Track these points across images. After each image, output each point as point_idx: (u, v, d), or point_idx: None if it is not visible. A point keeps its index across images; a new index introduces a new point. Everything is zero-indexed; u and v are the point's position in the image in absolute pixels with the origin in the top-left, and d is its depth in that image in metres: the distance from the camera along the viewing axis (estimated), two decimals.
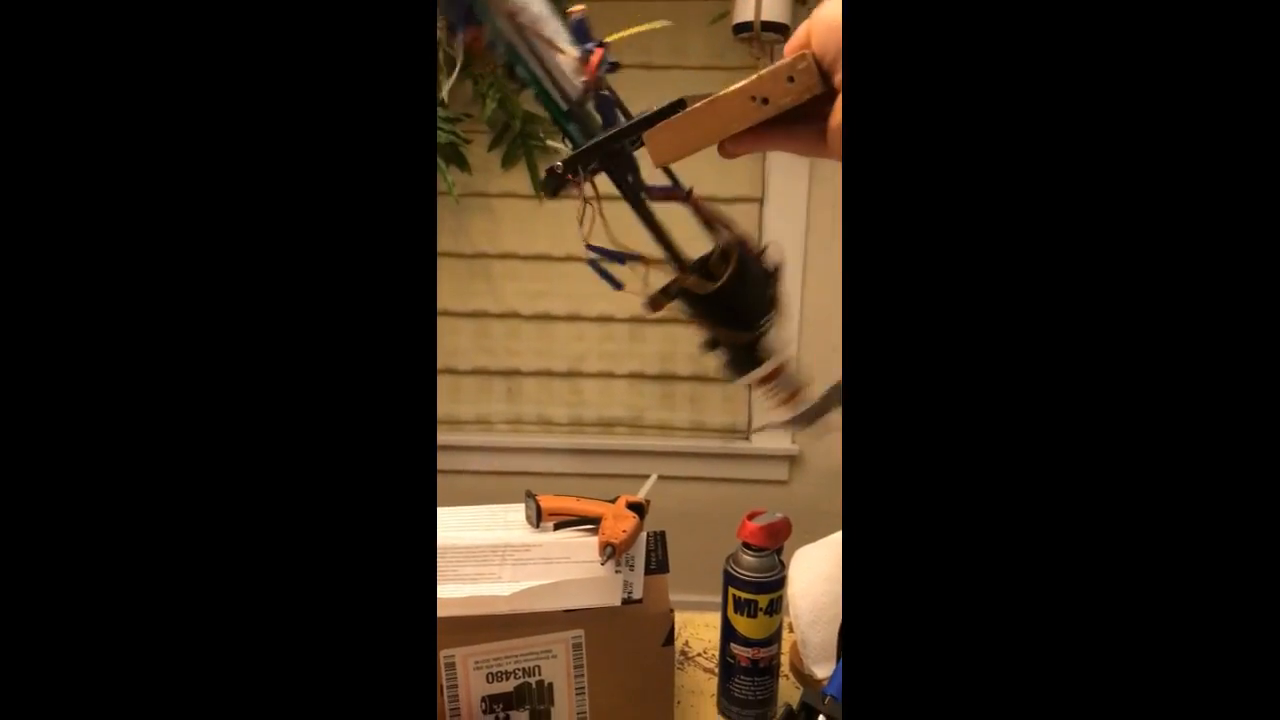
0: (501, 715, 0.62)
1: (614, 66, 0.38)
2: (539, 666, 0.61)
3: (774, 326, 0.41)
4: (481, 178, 1.58)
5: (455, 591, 0.59)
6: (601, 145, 0.38)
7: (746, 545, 0.65)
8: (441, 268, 1.65)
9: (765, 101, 0.32)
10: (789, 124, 0.34)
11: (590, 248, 0.41)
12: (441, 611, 0.60)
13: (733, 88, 0.33)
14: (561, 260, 1.63)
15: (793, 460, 1.68)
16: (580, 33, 0.37)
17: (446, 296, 1.66)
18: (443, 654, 0.60)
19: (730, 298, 0.39)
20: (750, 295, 0.40)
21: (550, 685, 0.62)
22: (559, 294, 1.65)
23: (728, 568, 0.66)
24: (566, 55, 0.36)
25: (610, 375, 1.69)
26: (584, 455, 1.69)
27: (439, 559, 0.64)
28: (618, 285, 0.42)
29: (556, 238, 1.62)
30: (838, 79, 0.30)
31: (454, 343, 1.69)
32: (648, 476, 0.72)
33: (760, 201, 1.59)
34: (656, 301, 0.41)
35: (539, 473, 1.69)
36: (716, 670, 0.71)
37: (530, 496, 0.69)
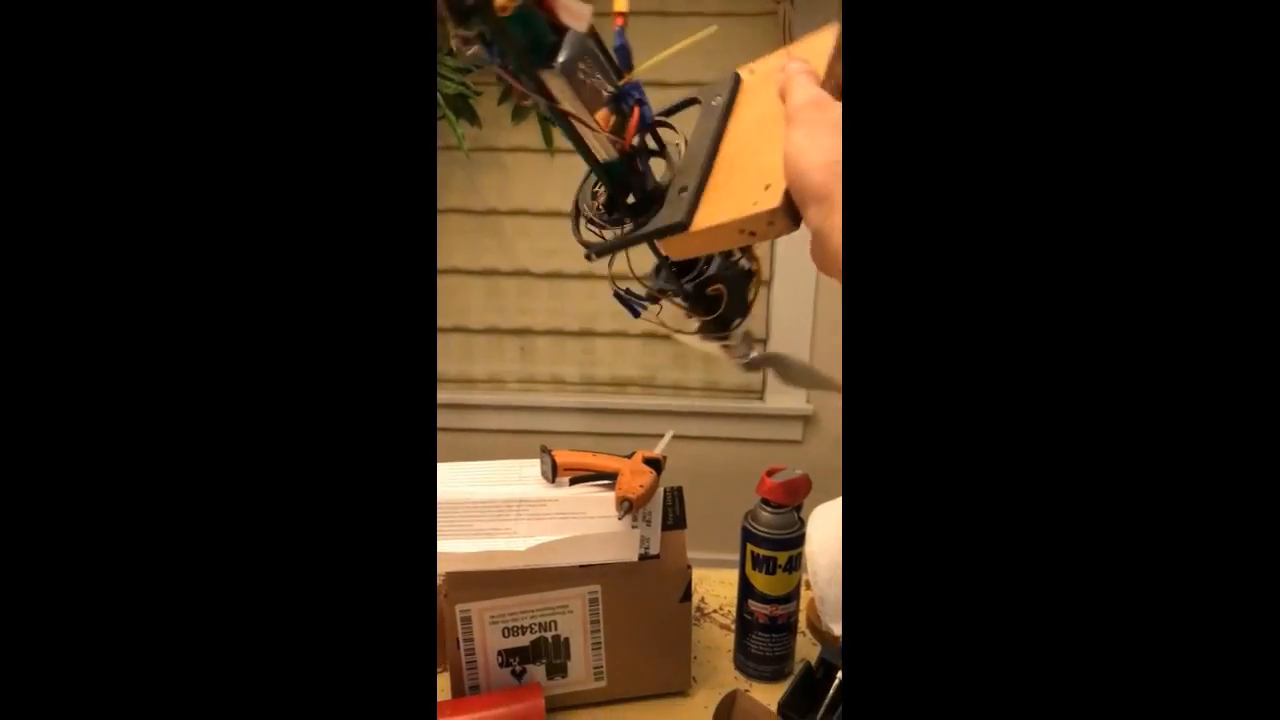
0: (518, 669, 0.61)
1: (654, 124, 0.42)
2: (555, 621, 0.61)
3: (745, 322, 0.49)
4: (491, 131, 1.54)
5: (470, 546, 0.58)
6: (625, 242, 0.43)
7: (765, 502, 0.64)
8: (451, 224, 1.62)
9: (752, 234, 0.38)
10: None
11: (617, 294, 0.48)
12: (456, 566, 0.59)
13: (726, 220, 0.38)
14: None
15: (807, 420, 1.67)
16: (623, 57, 0.39)
17: (457, 254, 1.64)
18: (458, 608, 0.59)
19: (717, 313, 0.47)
20: (731, 306, 0.47)
21: (566, 640, 0.61)
22: (571, 251, 1.61)
23: (746, 524, 0.64)
24: (599, 130, 0.39)
25: (623, 335, 1.67)
26: (597, 414, 1.69)
27: (453, 514, 0.63)
28: (636, 313, 0.48)
29: (568, 194, 1.58)
30: (808, 213, 0.33)
31: (465, 301, 1.67)
32: (661, 436, 0.71)
33: None
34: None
35: (552, 431, 1.69)
36: (733, 627, 0.70)
37: (545, 452, 0.68)
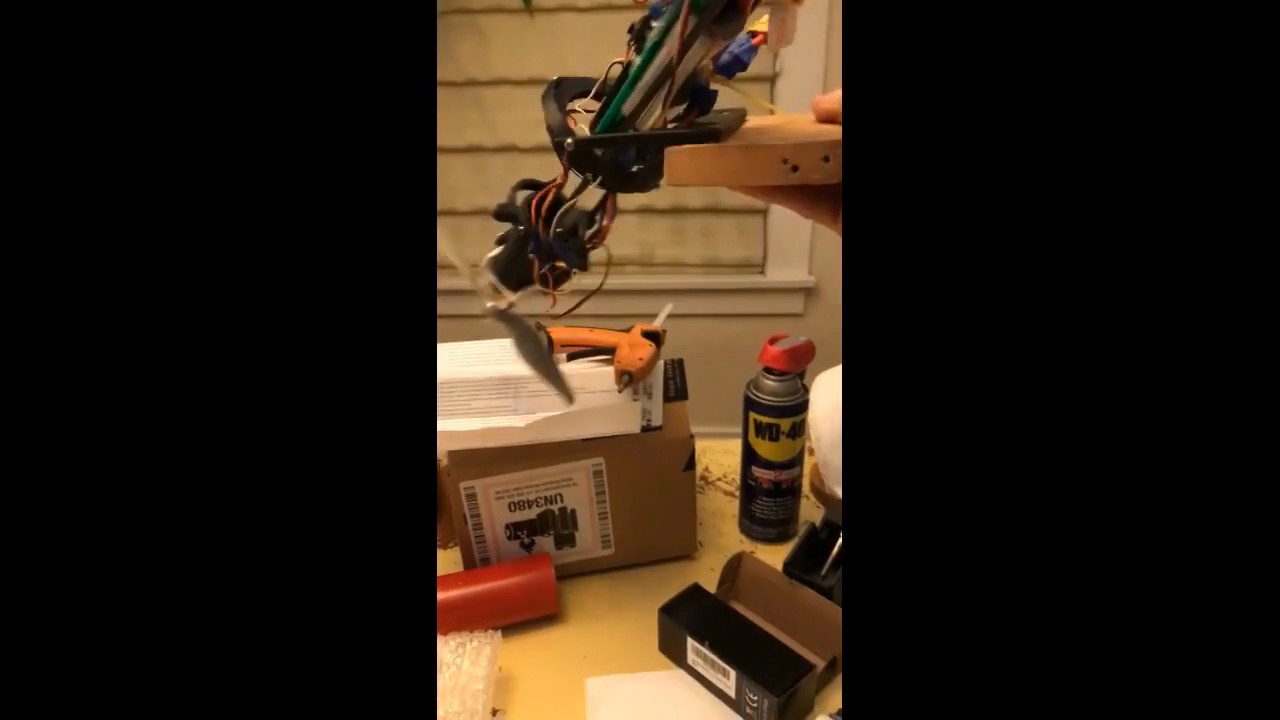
0: (526, 541, 0.62)
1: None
2: (560, 494, 0.61)
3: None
4: None
5: (468, 425, 0.58)
6: (630, 140, 0.39)
7: (768, 370, 0.62)
8: None
9: (795, 169, 0.32)
10: (810, 191, 0.35)
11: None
12: (457, 445, 0.58)
13: (769, 144, 0.32)
14: None
15: (808, 292, 1.64)
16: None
17: (439, 131, 1.55)
18: (462, 485, 0.59)
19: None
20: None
21: (573, 511, 0.62)
22: None
23: (748, 393, 0.63)
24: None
25: (618, 211, 1.61)
26: (594, 295, 1.66)
27: (451, 393, 0.62)
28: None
29: (552, 58, 1.47)
30: None
31: (451, 180, 1.60)
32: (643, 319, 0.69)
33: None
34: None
35: (548, 314, 1.66)
36: (736, 493, 0.71)
37: (540, 328, 0.66)
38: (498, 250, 0.46)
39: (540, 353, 0.51)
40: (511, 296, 0.47)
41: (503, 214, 0.45)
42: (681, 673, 0.56)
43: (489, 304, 0.47)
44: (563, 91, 0.42)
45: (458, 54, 1.49)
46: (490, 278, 0.46)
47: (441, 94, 1.52)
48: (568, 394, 0.51)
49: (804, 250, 1.61)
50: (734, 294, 1.65)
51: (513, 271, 0.46)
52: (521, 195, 0.45)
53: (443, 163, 1.58)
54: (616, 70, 0.38)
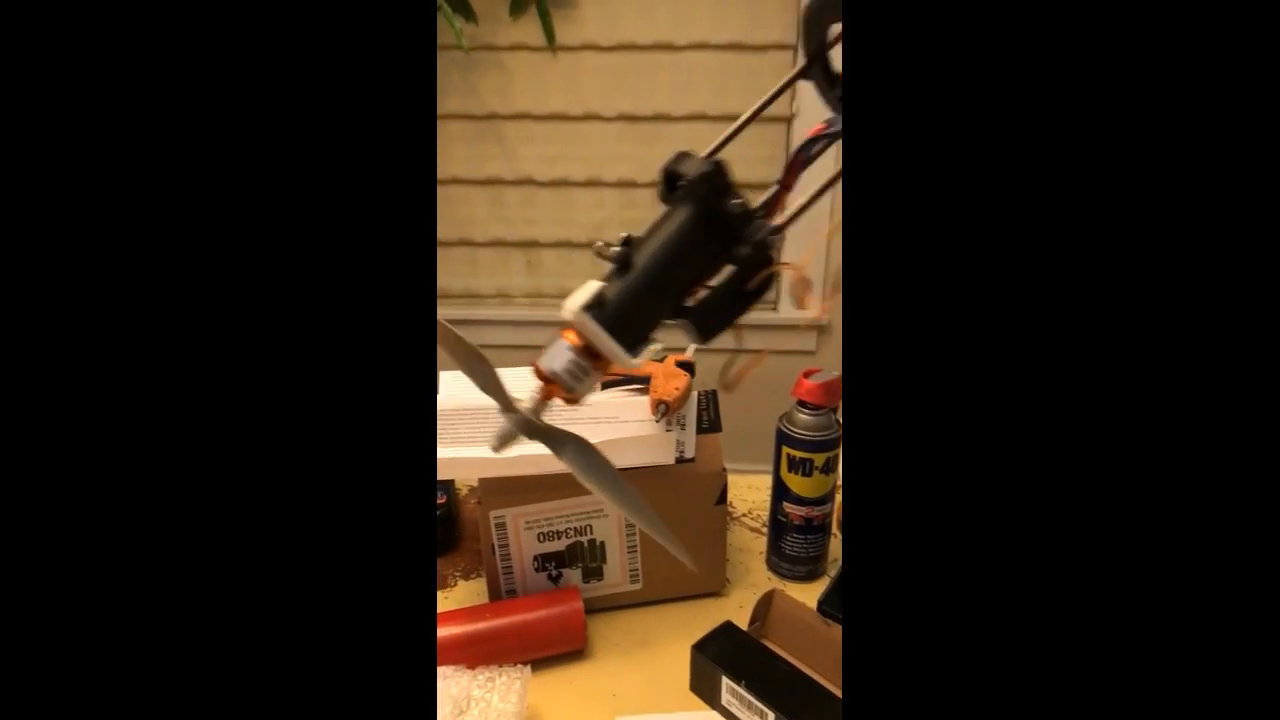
0: (554, 573, 0.61)
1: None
2: (590, 525, 0.60)
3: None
4: (488, 28, 1.44)
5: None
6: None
7: (802, 404, 0.62)
8: (451, 130, 1.54)
9: None
10: None
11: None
12: (489, 472, 0.58)
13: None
14: (579, 120, 1.52)
15: (821, 330, 1.65)
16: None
17: (458, 162, 1.57)
18: (492, 514, 0.58)
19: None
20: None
21: (602, 544, 0.61)
22: (576, 157, 1.55)
23: (781, 426, 0.63)
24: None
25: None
26: None
27: (484, 421, 0.61)
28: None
29: (572, 95, 1.50)
30: None
31: (468, 213, 1.61)
32: (675, 349, 0.68)
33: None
34: None
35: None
36: (764, 530, 0.70)
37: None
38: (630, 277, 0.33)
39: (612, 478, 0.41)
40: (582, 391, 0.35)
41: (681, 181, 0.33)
42: (714, 714, 0.54)
43: (528, 418, 0.35)
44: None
45: (480, 88, 1.51)
46: (613, 345, 0.33)
47: (462, 126, 1.54)
48: (682, 553, 0.41)
49: (816, 288, 1.62)
50: (746, 329, 1.65)
51: (725, 304, 0.35)
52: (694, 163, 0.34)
53: (460, 193, 1.60)
54: None
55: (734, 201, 0.32)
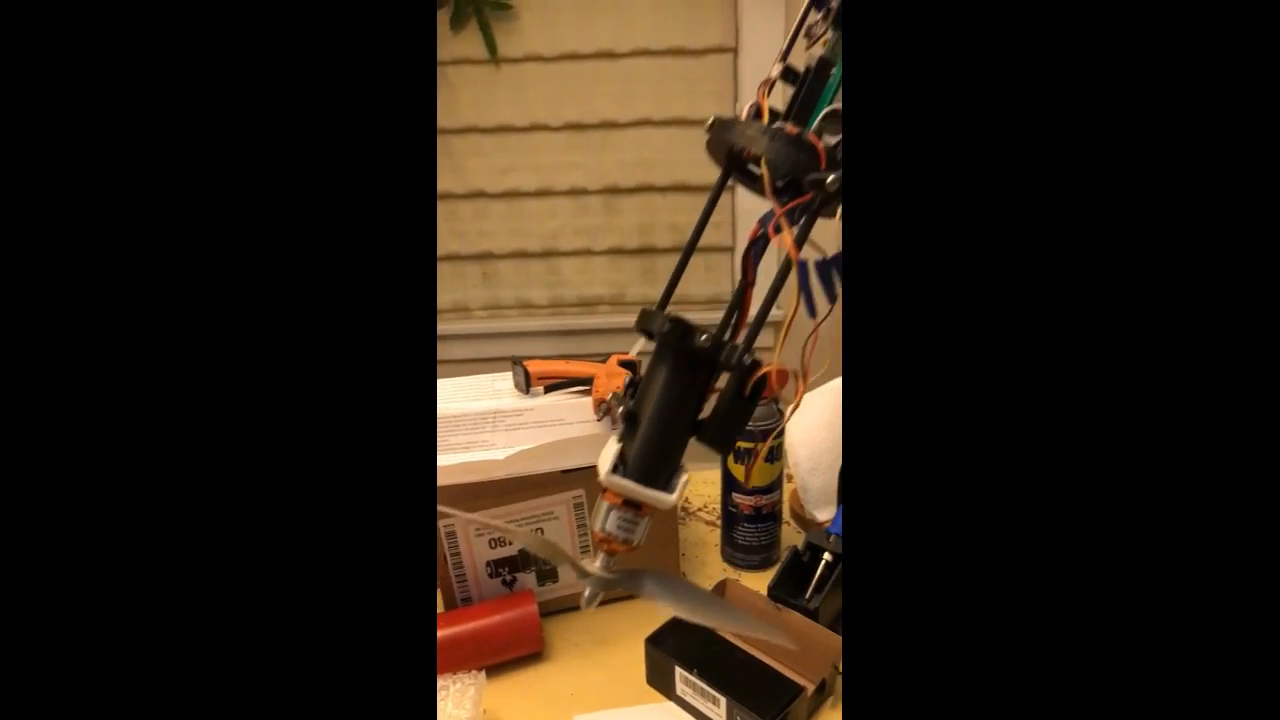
0: (508, 578, 0.61)
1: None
2: (541, 529, 0.60)
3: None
4: None
5: (448, 460, 0.57)
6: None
7: None
8: None
9: None
10: None
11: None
12: (435, 480, 0.58)
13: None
14: (525, 131, 1.52)
15: (778, 326, 1.67)
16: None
17: None
18: (442, 524, 0.58)
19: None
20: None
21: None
22: (526, 168, 1.56)
23: None
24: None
25: (588, 252, 1.63)
26: (567, 336, 1.66)
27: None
28: None
29: (518, 106, 1.51)
30: None
31: None
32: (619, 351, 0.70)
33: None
34: None
35: (523, 356, 1.66)
36: (718, 522, 0.71)
37: (517, 363, 0.66)
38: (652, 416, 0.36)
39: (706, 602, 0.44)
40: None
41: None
42: (671, 705, 0.55)
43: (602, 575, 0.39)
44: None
45: None
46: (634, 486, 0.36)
47: None
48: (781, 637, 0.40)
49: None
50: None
51: (731, 415, 0.37)
52: None
53: None
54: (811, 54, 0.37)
55: (702, 339, 0.37)
